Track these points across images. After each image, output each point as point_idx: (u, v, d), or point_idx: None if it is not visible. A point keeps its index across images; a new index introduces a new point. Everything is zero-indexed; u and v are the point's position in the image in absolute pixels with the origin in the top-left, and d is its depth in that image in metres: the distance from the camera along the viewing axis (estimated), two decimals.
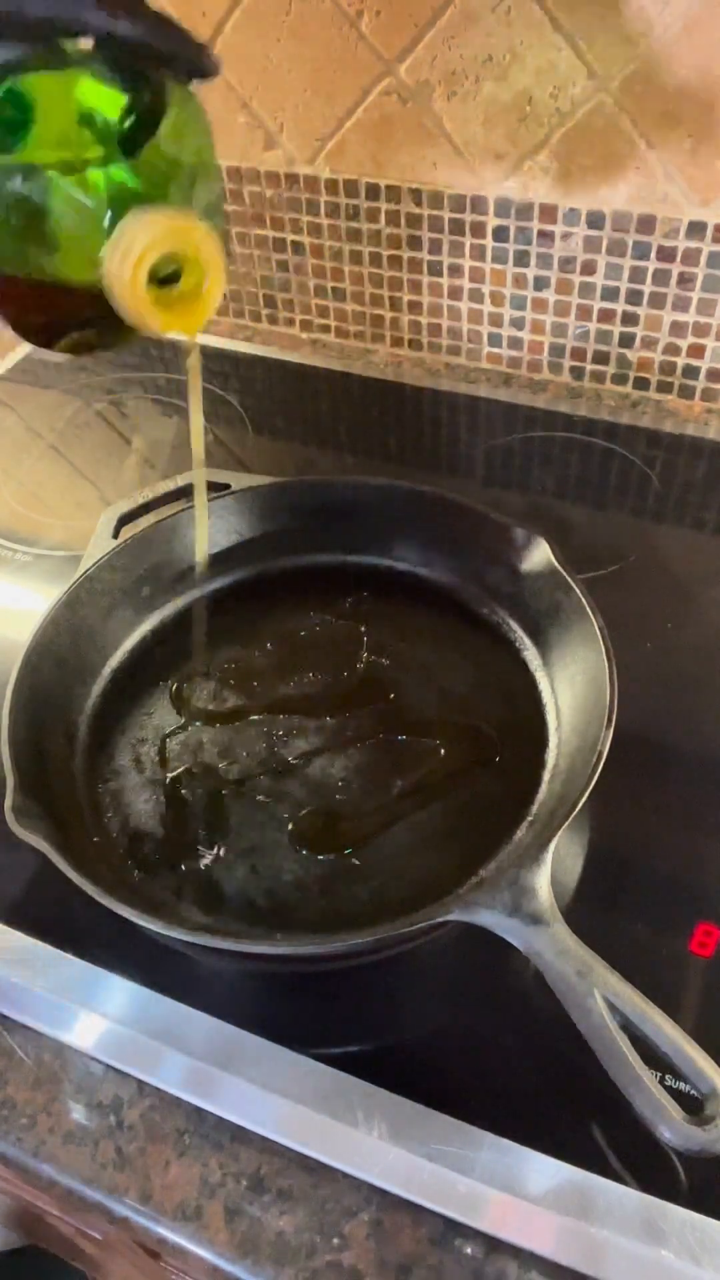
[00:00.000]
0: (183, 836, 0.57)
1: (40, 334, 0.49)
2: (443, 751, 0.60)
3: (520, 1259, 0.42)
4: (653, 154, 0.76)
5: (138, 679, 0.65)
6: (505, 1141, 0.45)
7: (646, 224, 0.79)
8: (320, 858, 0.55)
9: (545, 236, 0.83)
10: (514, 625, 0.65)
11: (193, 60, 0.44)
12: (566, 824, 0.49)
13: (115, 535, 0.67)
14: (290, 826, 0.56)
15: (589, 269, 0.83)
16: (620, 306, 0.84)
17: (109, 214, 0.43)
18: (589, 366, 0.90)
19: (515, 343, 0.91)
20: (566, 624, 0.61)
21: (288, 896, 0.53)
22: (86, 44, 0.43)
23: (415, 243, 0.88)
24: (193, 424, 0.55)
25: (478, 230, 0.85)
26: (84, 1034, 0.50)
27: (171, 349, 0.99)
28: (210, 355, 0.97)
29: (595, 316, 0.86)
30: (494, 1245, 0.43)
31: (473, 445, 0.85)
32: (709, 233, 0.78)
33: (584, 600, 0.59)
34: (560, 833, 0.48)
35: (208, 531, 0.67)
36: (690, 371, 0.86)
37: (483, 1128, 0.45)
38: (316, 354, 0.98)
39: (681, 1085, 0.44)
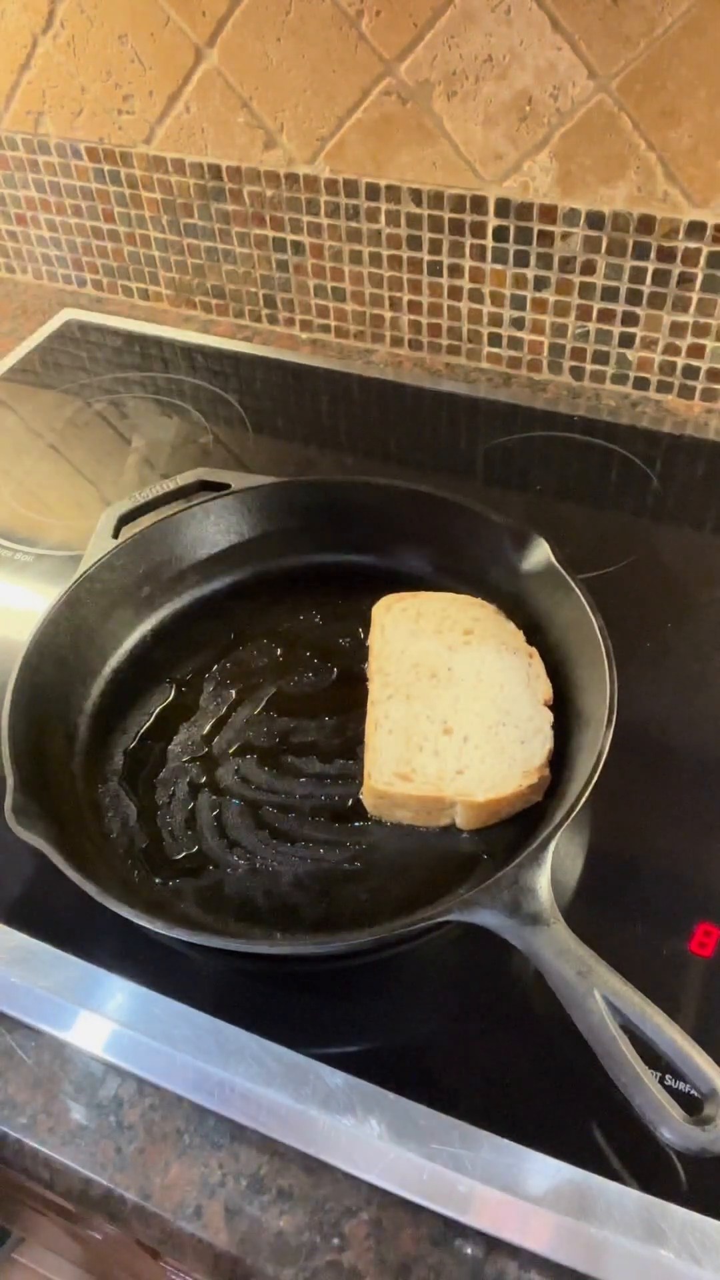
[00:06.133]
0: (183, 837, 0.57)
1: None
2: None
3: (520, 1259, 0.42)
4: (653, 154, 0.76)
5: (138, 679, 0.65)
6: (505, 1141, 0.45)
7: (646, 224, 0.79)
8: (319, 857, 0.55)
9: (545, 236, 0.83)
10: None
11: None
12: (566, 824, 0.49)
13: (115, 535, 0.67)
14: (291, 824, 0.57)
15: (589, 269, 0.83)
16: (620, 306, 0.84)
17: None
18: (589, 366, 0.90)
19: (515, 343, 0.91)
20: (566, 624, 0.61)
21: (288, 896, 0.53)
22: None
23: (415, 243, 0.88)
24: None
25: (478, 230, 0.85)
26: (84, 1034, 0.50)
27: (170, 349, 0.99)
28: (210, 355, 0.98)
29: (595, 316, 0.86)
30: (493, 1245, 0.43)
31: (473, 445, 0.85)
32: (709, 233, 0.78)
33: (584, 600, 0.59)
34: (560, 833, 0.48)
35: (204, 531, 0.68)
36: (690, 371, 0.86)
37: (482, 1128, 0.45)
38: (316, 354, 0.98)
39: (681, 1085, 0.44)
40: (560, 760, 0.56)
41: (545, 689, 0.60)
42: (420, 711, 0.59)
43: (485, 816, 0.55)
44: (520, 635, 0.63)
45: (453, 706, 0.59)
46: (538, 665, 0.61)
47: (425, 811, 0.56)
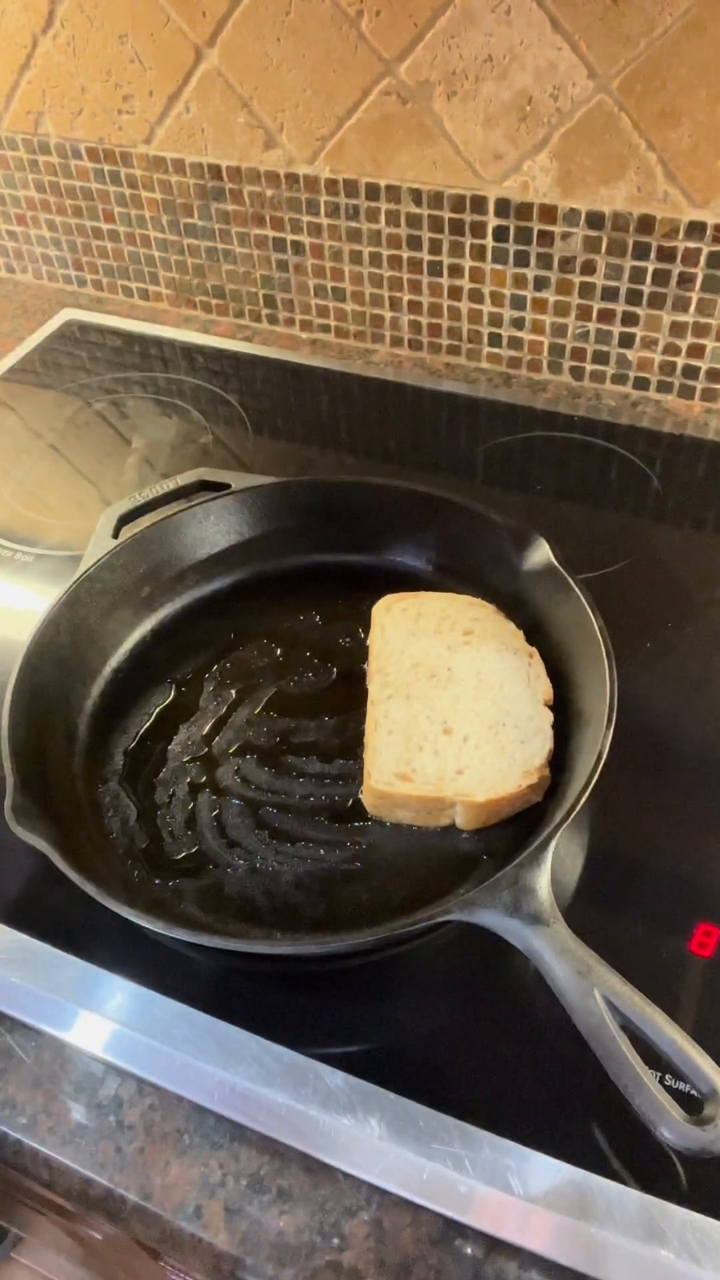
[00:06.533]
0: (183, 837, 0.57)
1: None
2: None
3: (520, 1259, 0.42)
4: (653, 154, 0.76)
5: (138, 679, 0.65)
6: (505, 1141, 0.45)
7: (646, 224, 0.79)
8: (319, 857, 0.55)
9: (545, 236, 0.83)
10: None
11: None
12: (566, 824, 0.49)
13: (115, 535, 0.67)
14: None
15: (589, 269, 0.83)
16: (620, 306, 0.84)
17: None
18: (589, 366, 0.90)
19: (515, 343, 0.91)
20: (566, 624, 0.61)
21: (288, 896, 0.53)
22: None
23: (415, 243, 0.88)
24: None
25: (478, 230, 0.85)
26: (84, 1034, 0.50)
27: (170, 349, 0.99)
28: (210, 355, 0.98)
29: (595, 316, 0.86)
30: (494, 1245, 0.43)
31: (473, 445, 0.85)
32: (709, 233, 0.78)
33: (584, 600, 0.59)
34: (560, 833, 0.48)
35: (204, 531, 0.69)
36: (690, 371, 0.86)
37: (483, 1128, 0.45)
38: (316, 354, 0.98)
39: (681, 1085, 0.44)
40: (560, 760, 0.56)
41: (545, 689, 0.60)
42: (420, 711, 0.59)
43: (485, 816, 0.55)
44: (520, 635, 0.63)
45: (453, 706, 0.59)
46: (538, 665, 0.61)
47: (425, 811, 0.56)
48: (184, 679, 0.65)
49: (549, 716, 0.58)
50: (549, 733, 0.57)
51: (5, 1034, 0.50)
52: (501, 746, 0.56)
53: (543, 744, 0.57)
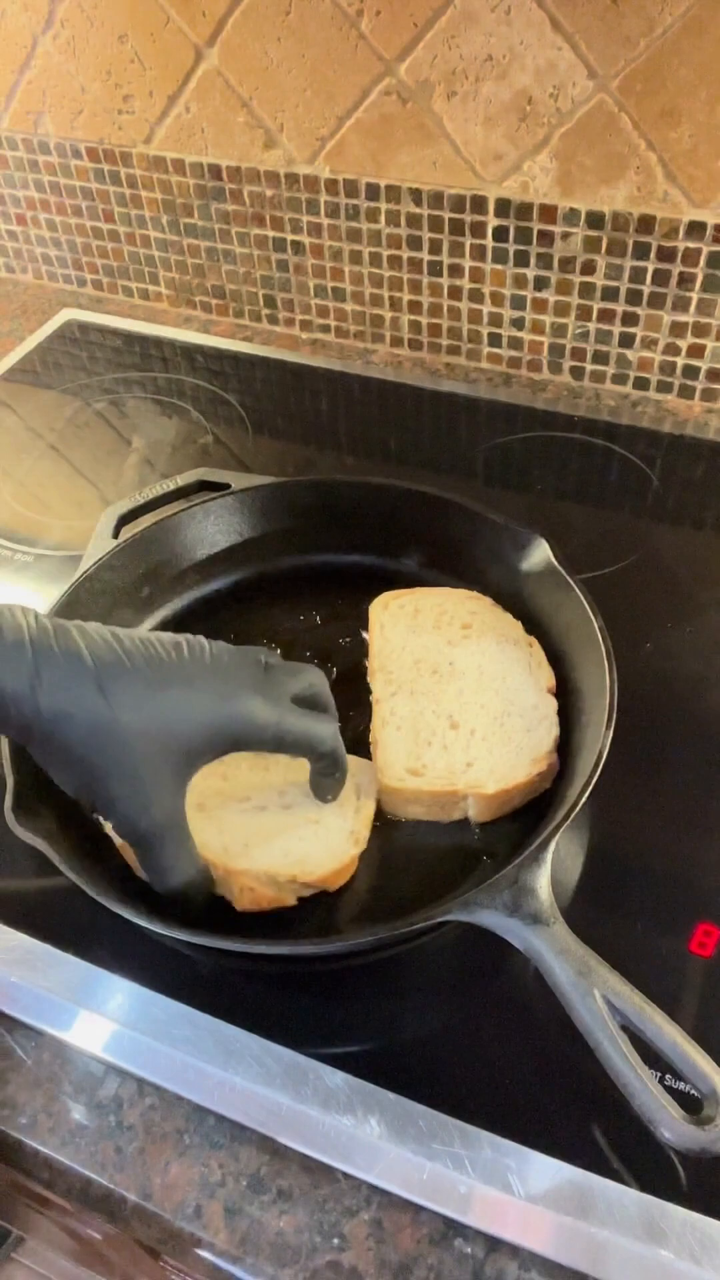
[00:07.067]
0: None
1: None
2: None
3: (520, 1259, 0.42)
4: (653, 154, 0.76)
5: None
6: (505, 1141, 0.45)
7: (646, 224, 0.79)
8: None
9: (545, 236, 0.83)
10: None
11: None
12: (566, 824, 0.49)
13: (115, 535, 0.67)
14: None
15: (589, 269, 0.83)
16: (620, 306, 0.84)
17: None
18: (589, 366, 0.90)
19: (515, 343, 0.91)
20: (566, 624, 0.61)
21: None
22: None
23: (415, 243, 0.88)
24: None
25: (478, 230, 0.85)
26: (84, 1034, 0.50)
27: (170, 349, 0.99)
28: (210, 355, 0.98)
29: (595, 316, 0.86)
30: (494, 1245, 0.43)
31: (473, 445, 0.85)
32: (709, 233, 0.78)
33: (584, 600, 0.59)
34: (560, 833, 0.48)
35: (204, 531, 0.69)
36: (690, 371, 0.86)
37: (483, 1128, 0.45)
38: (316, 354, 0.98)
39: (681, 1085, 0.44)
40: (565, 747, 0.57)
41: (547, 676, 0.60)
42: (425, 707, 0.59)
43: (498, 807, 0.55)
44: (519, 625, 0.63)
45: (457, 700, 0.59)
46: (538, 653, 0.61)
47: (438, 806, 0.56)
48: None
49: (553, 703, 0.58)
50: (554, 719, 0.57)
51: (5, 1034, 0.50)
52: (508, 736, 0.57)
53: (548, 730, 0.57)
